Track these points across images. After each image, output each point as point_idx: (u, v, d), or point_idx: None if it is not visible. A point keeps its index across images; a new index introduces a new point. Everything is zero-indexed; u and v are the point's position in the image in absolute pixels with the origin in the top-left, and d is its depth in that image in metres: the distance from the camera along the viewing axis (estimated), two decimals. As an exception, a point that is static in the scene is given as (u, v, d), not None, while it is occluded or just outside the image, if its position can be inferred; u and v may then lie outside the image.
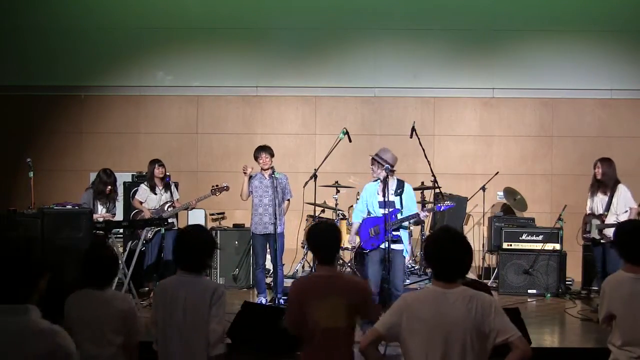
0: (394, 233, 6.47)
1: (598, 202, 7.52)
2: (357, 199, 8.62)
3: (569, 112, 10.05)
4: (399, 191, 6.81)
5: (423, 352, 3.10)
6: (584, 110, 10.05)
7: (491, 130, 10.11)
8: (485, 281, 8.73)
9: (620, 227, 4.19)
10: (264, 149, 7.86)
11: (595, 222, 7.46)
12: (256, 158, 7.86)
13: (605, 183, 7.43)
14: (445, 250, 3.19)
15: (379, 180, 6.75)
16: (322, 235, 3.90)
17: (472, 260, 3.39)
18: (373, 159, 6.85)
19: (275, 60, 10.18)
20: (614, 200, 7.36)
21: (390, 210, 6.53)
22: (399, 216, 6.70)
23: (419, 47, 10.14)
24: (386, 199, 6.57)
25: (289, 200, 8.00)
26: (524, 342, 3.10)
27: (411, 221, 6.87)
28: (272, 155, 7.79)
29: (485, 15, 10.05)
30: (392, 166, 6.75)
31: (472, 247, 3.34)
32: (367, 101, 10.18)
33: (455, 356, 3.06)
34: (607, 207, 7.37)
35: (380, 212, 6.64)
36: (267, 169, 7.70)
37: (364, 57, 10.12)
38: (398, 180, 7.00)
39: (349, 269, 8.22)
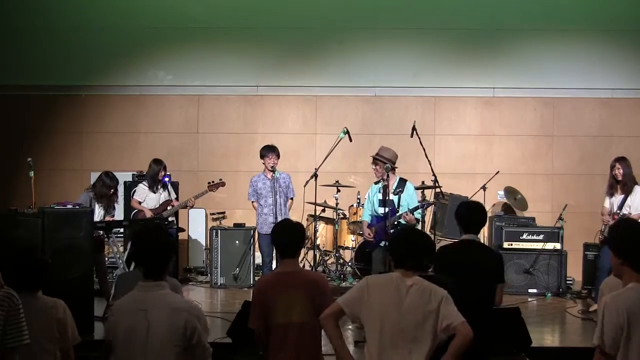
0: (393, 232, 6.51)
1: (615, 202, 7.43)
2: (358, 199, 8.64)
3: (570, 111, 10.03)
4: (398, 190, 6.85)
5: (377, 331, 3.35)
6: (584, 110, 10.03)
7: (492, 129, 10.09)
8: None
9: (614, 227, 4.16)
10: (273, 149, 7.86)
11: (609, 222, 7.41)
12: (263, 157, 7.86)
13: (625, 182, 7.29)
14: (407, 241, 3.53)
15: (381, 181, 6.80)
16: (287, 231, 3.99)
17: (430, 258, 3.74)
18: (375, 158, 6.89)
19: (276, 59, 10.17)
20: (629, 200, 7.23)
21: (390, 209, 6.58)
22: (398, 213, 6.78)
23: (419, 46, 10.13)
24: (387, 198, 6.62)
25: (292, 199, 8.02)
26: (466, 327, 3.30)
27: (415, 213, 6.85)
28: (278, 156, 7.82)
29: (486, 15, 10.03)
30: (393, 163, 6.79)
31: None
32: (368, 100, 10.17)
33: (406, 339, 3.32)
34: (621, 207, 7.30)
35: (380, 210, 6.70)
36: (273, 170, 7.73)
37: (364, 56, 10.10)
38: (400, 179, 7.02)
39: (349, 268, 8.23)
